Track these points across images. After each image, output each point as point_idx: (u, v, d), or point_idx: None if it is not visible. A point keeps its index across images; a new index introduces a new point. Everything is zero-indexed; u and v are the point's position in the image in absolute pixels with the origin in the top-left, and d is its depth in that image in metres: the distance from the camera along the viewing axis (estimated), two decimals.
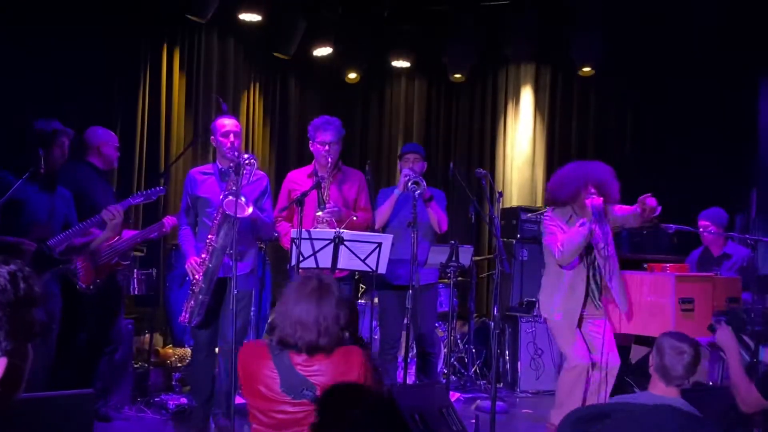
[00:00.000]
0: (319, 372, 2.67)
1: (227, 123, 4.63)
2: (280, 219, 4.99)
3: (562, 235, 4.52)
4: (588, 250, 4.55)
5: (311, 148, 4.97)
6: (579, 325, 4.61)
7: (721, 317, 3.77)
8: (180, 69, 6.78)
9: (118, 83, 6.23)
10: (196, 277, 4.44)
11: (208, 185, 4.62)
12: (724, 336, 3.63)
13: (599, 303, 4.63)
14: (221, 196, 4.36)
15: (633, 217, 4.51)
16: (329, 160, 4.86)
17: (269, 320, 2.89)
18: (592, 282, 4.59)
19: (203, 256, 4.43)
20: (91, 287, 4.64)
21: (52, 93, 5.49)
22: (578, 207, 4.57)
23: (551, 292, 4.68)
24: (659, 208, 4.36)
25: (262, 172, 4.80)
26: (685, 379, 2.99)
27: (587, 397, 4.55)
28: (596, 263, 4.58)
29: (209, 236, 4.42)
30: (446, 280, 5.72)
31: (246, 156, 4.35)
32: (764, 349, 4.00)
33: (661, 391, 3.00)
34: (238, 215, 4.21)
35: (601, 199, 4.45)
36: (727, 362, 3.63)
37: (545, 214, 4.73)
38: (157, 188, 4.72)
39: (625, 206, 4.65)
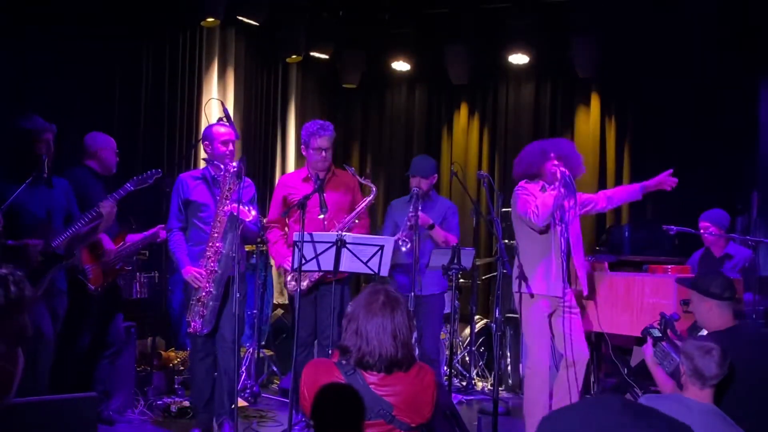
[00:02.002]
0: (395, 391, 2.65)
1: (225, 131, 4.65)
2: (272, 226, 4.98)
3: (534, 200, 4.54)
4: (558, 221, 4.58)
5: (305, 153, 4.95)
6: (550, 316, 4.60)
7: (652, 327, 3.83)
8: (181, 72, 6.78)
9: (119, 85, 6.24)
10: (205, 286, 4.47)
11: (200, 190, 4.65)
12: (646, 349, 3.73)
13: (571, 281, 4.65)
14: (227, 205, 4.41)
15: (603, 200, 4.84)
16: (326, 165, 4.88)
17: (340, 343, 2.82)
18: (563, 251, 4.56)
19: (212, 265, 4.46)
20: (99, 289, 4.70)
21: (53, 94, 5.49)
22: (547, 179, 4.60)
23: (529, 265, 4.60)
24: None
25: (249, 180, 4.83)
26: (721, 376, 3.00)
27: (558, 401, 4.54)
28: (564, 235, 4.58)
29: (216, 243, 4.46)
30: (450, 283, 5.74)
31: (235, 164, 4.42)
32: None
33: (693, 395, 3.01)
34: (244, 219, 4.30)
35: (566, 169, 4.52)
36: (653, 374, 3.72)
37: (517, 186, 4.72)
38: (152, 171, 4.62)
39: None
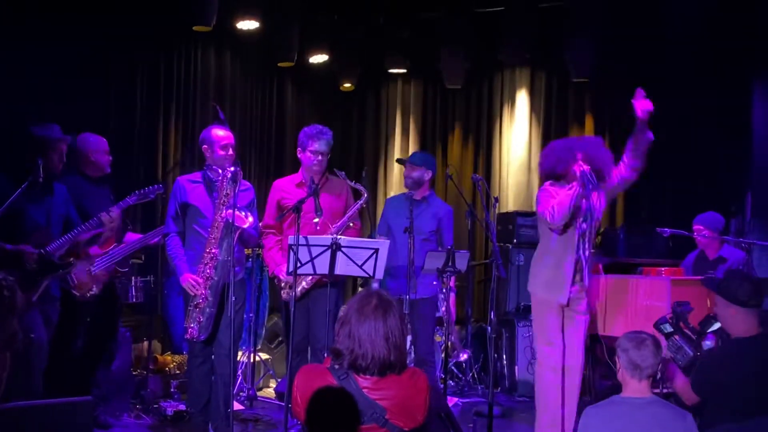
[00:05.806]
0: (388, 395, 2.65)
1: (224, 134, 4.64)
2: (267, 231, 4.98)
3: (554, 200, 4.50)
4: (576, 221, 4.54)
5: (301, 156, 4.96)
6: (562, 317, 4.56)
7: (664, 321, 3.83)
8: (177, 75, 6.79)
9: (115, 90, 6.23)
10: (202, 293, 4.46)
11: (198, 194, 4.63)
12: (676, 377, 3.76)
13: (585, 281, 4.55)
14: (224, 211, 4.39)
15: (624, 168, 4.62)
16: (321, 169, 4.89)
17: (332, 346, 2.83)
18: (581, 253, 4.52)
19: (208, 271, 4.46)
20: (88, 295, 4.63)
21: (49, 98, 5.48)
22: (571, 179, 4.54)
23: (539, 265, 4.63)
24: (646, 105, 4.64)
25: (248, 183, 4.82)
26: (656, 367, 3.00)
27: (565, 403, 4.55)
28: (584, 235, 4.54)
29: (213, 250, 4.45)
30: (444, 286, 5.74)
31: (232, 168, 4.42)
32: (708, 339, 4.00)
33: (633, 391, 3.02)
34: (241, 226, 4.30)
35: (589, 167, 4.46)
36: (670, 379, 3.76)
37: (541, 188, 4.70)
38: (155, 186, 4.69)
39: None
